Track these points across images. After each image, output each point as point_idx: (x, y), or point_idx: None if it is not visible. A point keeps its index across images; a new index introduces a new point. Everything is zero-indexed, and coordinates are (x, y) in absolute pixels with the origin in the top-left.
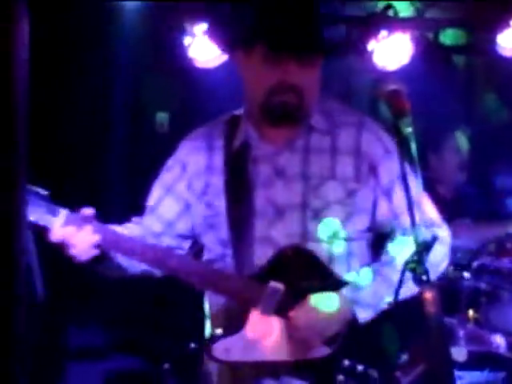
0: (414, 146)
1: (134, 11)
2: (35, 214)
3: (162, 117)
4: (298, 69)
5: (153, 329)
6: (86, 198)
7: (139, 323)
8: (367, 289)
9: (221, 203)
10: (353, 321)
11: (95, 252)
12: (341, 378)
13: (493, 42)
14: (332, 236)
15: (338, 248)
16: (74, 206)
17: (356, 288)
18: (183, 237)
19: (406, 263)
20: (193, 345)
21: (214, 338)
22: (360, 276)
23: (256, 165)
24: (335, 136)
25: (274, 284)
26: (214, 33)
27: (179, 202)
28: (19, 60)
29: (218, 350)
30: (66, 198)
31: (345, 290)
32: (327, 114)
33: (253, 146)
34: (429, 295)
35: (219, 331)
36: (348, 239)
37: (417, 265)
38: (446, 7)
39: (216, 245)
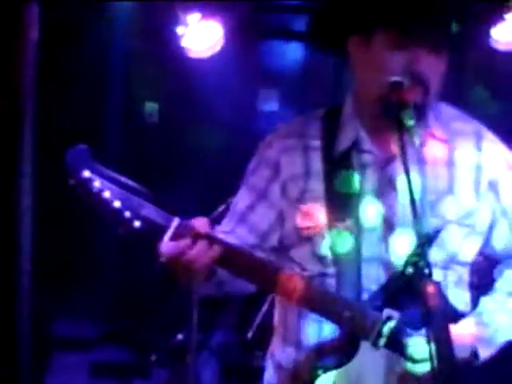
0: (416, 139)
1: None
2: (150, 219)
3: (151, 107)
4: (427, 59)
5: (140, 320)
6: None
7: (127, 314)
8: (491, 324)
9: (320, 214)
10: (471, 360)
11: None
12: None
13: (486, 35)
14: (448, 260)
15: (453, 274)
16: None
17: (479, 322)
18: (273, 250)
19: (409, 256)
20: (180, 336)
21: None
22: (482, 308)
23: (364, 172)
24: (452, 146)
25: (388, 312)
26: (321, 19)
27: (273, 210)
28: (29, 42)
29: None
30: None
31: (467, 325)
32: (442, 118)
33: (361, 150)
34: (431, 288)
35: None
36: (463, 264)
37: (419, 258)
38: None
39: (311, 261)
